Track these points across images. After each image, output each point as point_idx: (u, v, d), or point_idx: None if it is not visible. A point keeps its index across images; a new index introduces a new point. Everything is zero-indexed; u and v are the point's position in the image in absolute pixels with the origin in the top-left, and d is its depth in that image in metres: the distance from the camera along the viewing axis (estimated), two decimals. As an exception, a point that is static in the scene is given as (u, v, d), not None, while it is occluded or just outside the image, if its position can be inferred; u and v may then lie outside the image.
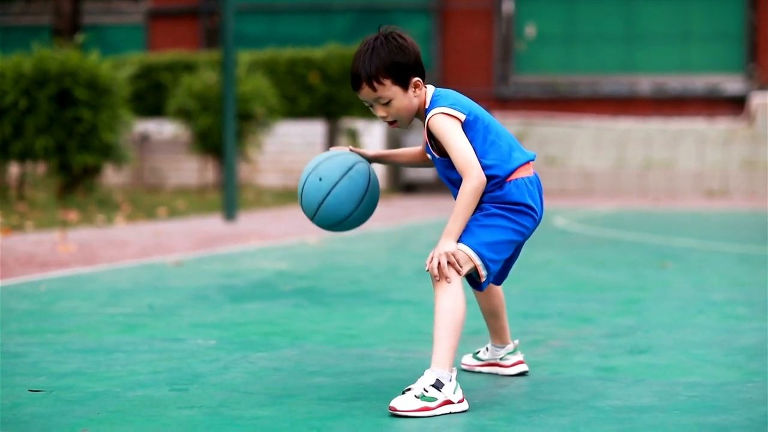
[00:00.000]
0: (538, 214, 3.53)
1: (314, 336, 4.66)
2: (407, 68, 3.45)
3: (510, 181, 3.49)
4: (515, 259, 3.64)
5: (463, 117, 3.44)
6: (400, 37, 3.47)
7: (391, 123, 3.52)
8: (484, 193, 3.46)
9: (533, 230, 3.54)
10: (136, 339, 4.51)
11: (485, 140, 3.47)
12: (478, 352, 3.99)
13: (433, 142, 3.51)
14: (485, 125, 3.48)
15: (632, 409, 3.36)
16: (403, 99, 3.46)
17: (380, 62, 3.43)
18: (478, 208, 3.47)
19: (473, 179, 3.38)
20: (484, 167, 3.43)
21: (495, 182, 3.47)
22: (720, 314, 5.32)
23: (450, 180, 3.55)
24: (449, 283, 3.36)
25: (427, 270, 3.39)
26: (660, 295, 5.99)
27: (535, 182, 3.54)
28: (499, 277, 3.66)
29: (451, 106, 3.45)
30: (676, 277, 6.83)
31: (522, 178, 3.50)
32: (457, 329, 3.35)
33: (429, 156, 3.59)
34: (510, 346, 3.90)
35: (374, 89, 3.44)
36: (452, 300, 3.36)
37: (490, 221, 3.45)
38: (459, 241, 3.41)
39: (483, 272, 3.43)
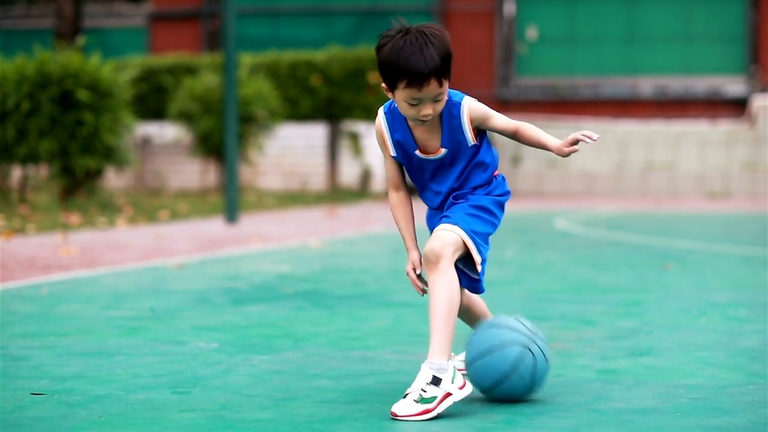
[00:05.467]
0: None
1: (316, 338, 4.66)
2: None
3: (496, 175, 3.58)
4: None
5: None
6: (438, 28, 3.41)
7: (424, 121, 3.44)
8: (478, 186, 3.52)
9: None
10: (137, 342, 4.51)
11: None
12: None
13: (464, 131, 3.48)
14: None
15: (634, 412, 3.36)
16: (446, 92, 3.45)
17: (442, 55, 3.34)
18: (471, 195, 3.52)
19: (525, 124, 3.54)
20: (477, 146, 3.50)
21: (492, 173, 3.55)
22: (722, 316, 5.32)
23: (433, 180, 3.54)
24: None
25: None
26: (662, 297, 5.99)
27: None
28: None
29: None
30: (678, 278, 6.83)
31: (501, 174, 3.61)
32: (454, 315, 3.35)
33: (445, 150, 3.49)
34: None
35: (441, 84, 3.35)
36: (448, 284, 3.36)
37: (485, 213, 3.51)
38: (455, 224, 3.43)
39: (477, 257, 3.44)
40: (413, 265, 3.54)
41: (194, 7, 20.94)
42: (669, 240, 9.63)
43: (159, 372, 3.90)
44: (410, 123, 3.48)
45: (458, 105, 3.45)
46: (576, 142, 3.47)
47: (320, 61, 17.44)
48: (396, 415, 3.24)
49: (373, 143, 16.95)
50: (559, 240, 9.68)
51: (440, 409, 3.27)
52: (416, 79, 3.30)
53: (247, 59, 16.70)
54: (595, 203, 15.79)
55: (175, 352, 4.30)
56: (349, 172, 17.10)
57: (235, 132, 11.07)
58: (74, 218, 10.74)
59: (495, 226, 3.53)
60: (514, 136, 3.55)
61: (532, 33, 19.56)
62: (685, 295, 6.07)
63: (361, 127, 17.02)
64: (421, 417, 3.24)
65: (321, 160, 17.07)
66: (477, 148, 3.50)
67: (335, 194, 16.21)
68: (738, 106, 18.52)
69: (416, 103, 3.36)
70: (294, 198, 15.29)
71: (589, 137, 3.45)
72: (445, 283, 3.35)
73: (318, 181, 17.05)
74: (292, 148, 17.15)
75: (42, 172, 13.50)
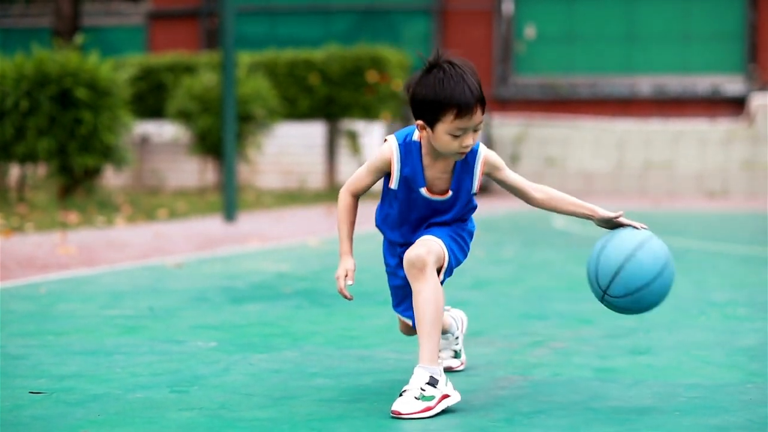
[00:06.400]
0: None
1: (315, 337, 4.66)
2: None
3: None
4: None
5: None
6: (462, 58, 3.44)
7: (463, 154, 3.43)
8: (460, 220, 3.58)
9: None
10: (136, 341, 4.51)
11: None
12: (454, 352, 4.00)
13: (474, 178, 3.51)
14: None
15: (632, 411, 3.36)
16: None
17: (478, 83, 3.38)
18: (460, 224, 3.59)
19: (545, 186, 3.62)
20: (475, 194, 3.56)
21: (473, 212, 3.63)
22: (720, 315, 5.32)
23: (420, 219, 3.56)
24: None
25: None
26: (660, 296, 5.98)
27: None
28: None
29: None
30: (677, 277, 6.81)
31: None
32: (441, 320, 3.38)
33: (451, 193, 3.51)
34: (449, 313, 4.02)
35: (483, 111, 3.38)
36: (433, 290, 3.38)
37: (462, 241, 3.59)
38: (440, 239, 3.47)
39: (440, 277, 3.50)
40: (346, 273, 3.52)
41: (193, 5, 20.93)
42: (668, 239, 9.61)
43: (157, 371, 3.90)
44: (425, 161, 3.47)
45: (475, 152, 3.48)
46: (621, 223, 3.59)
47: (319, 59, 17.43)
48: (400, 414, 3.25)
49: (370, 142, 16.94)
50: (558, 238, 9.68)
51: (438, 409, 3.29)
52: (464, 107, 3.31)
53: (245, 58, 16.69)
54: (593, 202, 15.77)
55: (173, 351, 4.30)
56: (347, 171, 17.10)
57: (234, 131, 11.06)
58: (73, 217, 10.73)
59: (465, 256, 3.60)
60: (530, 198, 3.56)
61: (530, 32, 19.56)
62: (684, 294, 6.07)
63: (359, 125, 17.02)
64: (423, 414, 3.26)
65: (319, 158, 17.07)
66: (474, 195, 3.55)
67: (334, 193, 16.21)
68: (737, 105, 18.52)
69: (460, 134, 3.35)
70: (292, 197, 15.29)
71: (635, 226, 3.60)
72: (432, 290, 3.37)
73: (316, 179, 17.05)
74: (290, 147, 17.15)
75: (40, 170, 13.49)
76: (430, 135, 3.39)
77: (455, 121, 3.33)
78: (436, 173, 3.49)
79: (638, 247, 3.47)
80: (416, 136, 3.48)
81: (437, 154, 3.46)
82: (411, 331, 3.73)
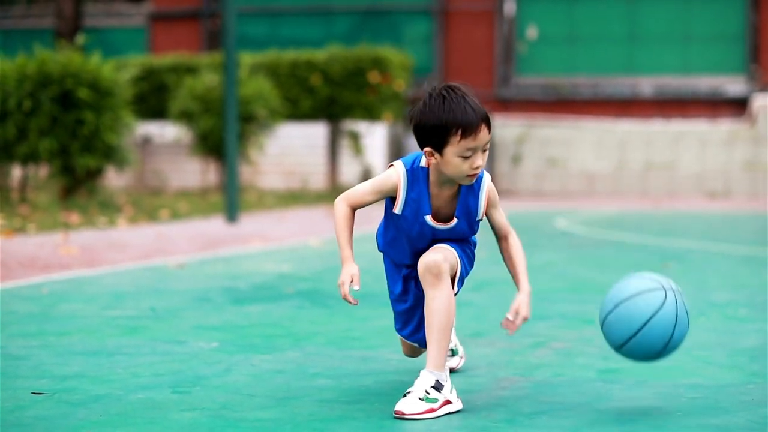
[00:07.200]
0: None
1: (316, 338, 4.66)
2: None
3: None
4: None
5: None
6: (458, 83, 3.45)
7: (472, 177, 3.41)
8: (467, 238, 3.59)
9: None
10: (138, 341, 4.52)
11: None
12: (451, 351, 4.01)
13: (479, 203, 3.51)
14: None
15: (634, 411, 3.36)
16: None
17: (480, 103, 3.38)
18: (467, 241, 3.60)
19: (516, 236, 3.57)
20: (479, 221, 3.55)
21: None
22: (722, 315, 5.33)
23: (424, 247, 3.53)
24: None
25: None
26: (662, 297, 5.98)
27: None
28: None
29: None
30: (678, 278, 6.82)
31: None
32: (451, 328, 3.40)
33: (457, 220, 3.50)
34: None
35: (489, 130, 3.37)
36: (447, 297, 3.39)
37: (470, 252, 3.61)
38: (453, 249, 3.49)
39: (454, 288, 3.50)
40: (352, 278, 3.44)
41: (194, 6, 20.94)
42: (669, 239, 9.63)
43: (159, 371, 3.90)
44: (432, 190, 3.46)
45: (480, 178, 3.47)
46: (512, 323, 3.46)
47: (320, 60, 17.44)
48: (403, 414, 3.26)
49: (372, 143, 16.94)
50: (560, 239, 9.68)
51: (440, 413, 3.30)
52: (469, 126, 3.31)
53: (247, 59, 16.69)
54: (595, 203, 15.79)
55: (175, 351, 4.30)
56: (349, 172, 17.11)
57: (236, 131, 11.07)
58: (74, 218, 10.74)
59: (472, 266, 3.61)
60: (500, 240, 3.56)
61: (532, 32, 19.56)
62: (685, 295, 6.06)
63: (361, 126, 17.02)
64: (426, 416, 3.27)
65: (321, 159, 17.07)
66: (479, 222, 3.55)
67: (335, 193, 16.20)
68: (738, 106, 18.52)
69: (470, 155, 3.33)
70: (294, 197, 15.30)
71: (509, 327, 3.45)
72: (445, 298, 3.39)
73: (318, 180, 17.05)
74: (292, 148, 17.15)
75: (42, 171, 13.50)
76: (439, 161, 3.37)
77: (462, 142, 3.31)
78: (441, 202, 3.48)
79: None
80: (423, 162, 3.45)
81: (443, 182, 3.44)
82: (415, 352, 3.75)
